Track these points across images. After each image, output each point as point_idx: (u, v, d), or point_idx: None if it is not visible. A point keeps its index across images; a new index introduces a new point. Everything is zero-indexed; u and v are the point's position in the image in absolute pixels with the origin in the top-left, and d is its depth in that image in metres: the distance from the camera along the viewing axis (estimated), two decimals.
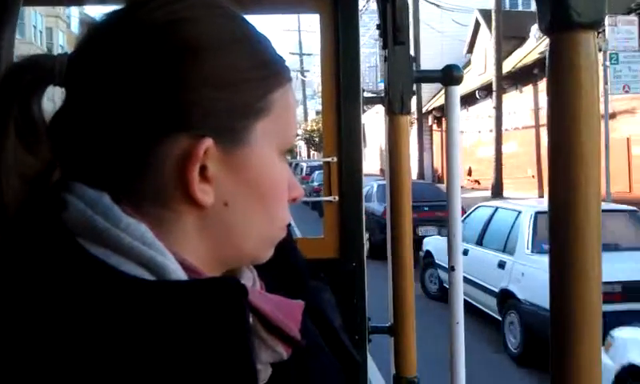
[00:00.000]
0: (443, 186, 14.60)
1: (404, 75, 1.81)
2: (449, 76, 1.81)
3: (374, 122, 24.94)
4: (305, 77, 44.81)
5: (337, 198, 2.14)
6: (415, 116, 25.57)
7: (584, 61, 0.74)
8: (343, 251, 2.14)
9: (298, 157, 42.83)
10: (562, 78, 0.75)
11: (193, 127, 0.54)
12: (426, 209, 12.05)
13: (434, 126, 27.56)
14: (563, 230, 0.76)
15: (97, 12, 0.59)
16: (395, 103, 1.83)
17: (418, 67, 13.46)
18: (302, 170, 25.37)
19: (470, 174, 22.78)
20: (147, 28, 0.55)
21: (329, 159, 2.15)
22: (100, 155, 0.55)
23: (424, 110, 26.55)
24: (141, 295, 0.50)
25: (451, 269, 1.80)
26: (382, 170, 26.49)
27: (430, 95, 27.26)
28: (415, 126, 25.77)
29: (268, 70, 0.59)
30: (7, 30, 1.58)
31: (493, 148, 19.12)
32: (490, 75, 19.92)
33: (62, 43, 35.53)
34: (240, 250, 0.60)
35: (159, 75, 0.53)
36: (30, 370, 0.47)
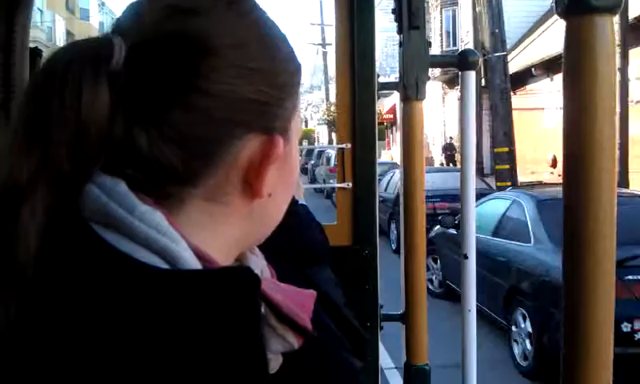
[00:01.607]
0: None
1: (419, 60, 1.79)
2: (464, 60, 1.79)
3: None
4: (325, 49, 41.11)
5: (350, 184, 2.14)
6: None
7: (601, 45, 0.72)
8: (356, 238, 2.13)
9: (317, 143, 42.19)
10: (579, 63, 0.74)
11: (269, 128, 0.56)
12: None
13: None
14: (577, 221, 0.75)
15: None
16: (410, 89, 1.81)
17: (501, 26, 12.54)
18: (328, 160, 21.37)
19: (554, 165, 15.97)
20: (245, 31, 0.56)
21: (343, 146, 2.14)
22: (167, 153, 0.53)
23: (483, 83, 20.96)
24: (154, 283, 0.50)
25: (464, 257, 1.79)
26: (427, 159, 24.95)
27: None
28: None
29: (300, 68, 0.62)
30: (21, 15, 1.59)
31: None
32: None
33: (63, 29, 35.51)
34: (264, 235, 0.62)
35: (250, 78, 0.55)
36: (42, 357, 0.47)
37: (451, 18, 24.81)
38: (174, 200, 0.55)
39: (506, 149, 12.55)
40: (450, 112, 26.01)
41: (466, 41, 22.76)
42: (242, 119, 0.55)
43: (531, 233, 6.19)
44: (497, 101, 12.60)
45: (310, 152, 27.78)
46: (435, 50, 24.84)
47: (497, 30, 12.57)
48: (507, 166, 12.54)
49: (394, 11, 1.86)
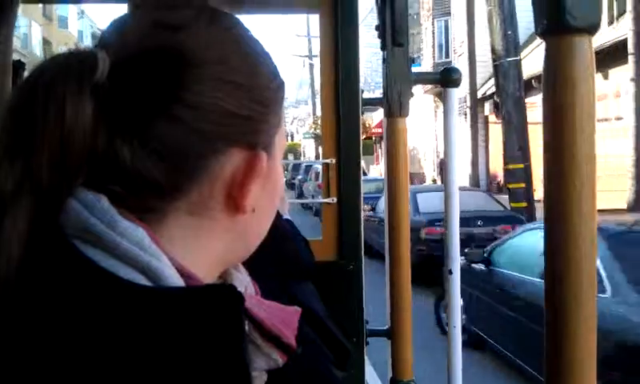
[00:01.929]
0: (503, 198, 11.17)
1: (402, 77, 1.80)
2: (447, 78, 1.81)
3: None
4: (312, 61, 39.53)
5: (335, 199, 2.14)
6: (468, 104, 20.62)
7: (580, 65, 0.73)
8: (341, 253, 2.13)
9: (302, 157, 41.59)
10: (558, 82, 0.75)
11: (251, 142, 0.56)
12: (480, 224, 9.93)
13: (491, 117, 18.81)
14: (558, 241, 0.76)
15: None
16: (393, 105, 1.82)
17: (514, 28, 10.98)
18: (317, 175, 19.02)
19: None
20: (230, 46, 0.57)
21: (328, 161, 2.14)
22: (150, 166, 0.53)
23: (479, 95, 20.23)
24: (135, 300, 0.50)
25: (449, 272, 1.79)
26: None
27: (487, 75, 18.84)
28: (468, 117, 20.51)
29: (281, 86, 0.62)
30: (5, 27, 1.58)
31: (626, 143, 12.36)
32: (624, 30, 12.59)
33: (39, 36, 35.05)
34: (248, 251, 0.62)
35: (236, 95, 0.56)
36: (19, 375, 0.46)
37: (443, 29, 23.78)
38: (157, 214, 0.55)
39: (521, 165, 10.97)
40: (442, 126, 25.05)
41: (459, 52, 21.92)
42: (224, 133, 0.55)
43: (605, 280, 4.34)
44: (510, 109, 11.16)
45: (296, 167, 27.09)
46: (427, 61, 23.86)
47: (509, 32, 11.12)
48: (522, 184, 10.98)
49: (377, 28, 1.87)
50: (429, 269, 7.83)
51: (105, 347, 0.47)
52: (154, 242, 0.53)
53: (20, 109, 0.52)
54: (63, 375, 0.46)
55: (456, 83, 1.80)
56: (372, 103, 2.83)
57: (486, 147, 20.68)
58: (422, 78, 1.99)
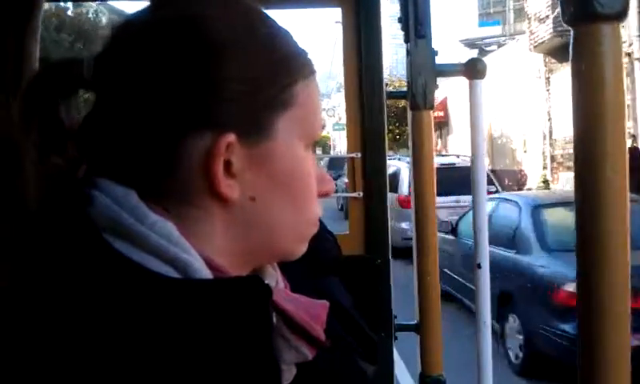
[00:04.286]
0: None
1: (426, 70, 1.79)
2: (472, 69, 1.78)
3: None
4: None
5: (361, 194, 2.13)
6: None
7: (608, 53, 0.72)
8: (368, 247, 2.13)
9: (332, 151, 40.82)
10: (586, 71, 0.73)
11: (216, 123, 0.54)
12: None
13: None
14: (590, 225, 0.74)
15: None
16: (418, 98, 1.80)
17: None
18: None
19: None
20: (169, 27, 0.55)
21: (353, 155, 2.14)
22: (128, 154, 0.55)
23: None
24: (165, 292, 0.50)
25: (478, 266, 1.77)
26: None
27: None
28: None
29: (289, 63, 0.58)
30: (31, 26, 1.60)
31: None
32: None
33: None
34: (270, 246, 0.59)
35: (182, 72, 0.53)
36: (52, 366, 0.47)
37: None
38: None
39: None
40: (557, 100, 15.85)
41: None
42: (182, 116, 0.53)
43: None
44: None
45: (331, 162, 25.39)
46: None
47: None
48: None
49: (400, 20, 1.86)
50: None
51: (135, 338, 0.48)
52: (182, 236, 0.53)
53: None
54: (94, 367, 0.47)
55: (482, 74, 1.77)
56: (397, 96, 2.81)
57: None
58: (446, 70, 1.97)
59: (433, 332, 1.87)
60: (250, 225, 0.57)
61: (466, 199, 9.09)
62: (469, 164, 1.85)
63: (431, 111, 1.86)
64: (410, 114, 1.87)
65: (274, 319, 0.55)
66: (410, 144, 1.93)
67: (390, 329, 2.06)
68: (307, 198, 0.60)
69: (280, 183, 0.58)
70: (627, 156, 0.74)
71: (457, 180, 9.35)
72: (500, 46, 22.66)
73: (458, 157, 12.80)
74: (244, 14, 0.58)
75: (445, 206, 9.76)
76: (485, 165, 1.82)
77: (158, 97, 0.53)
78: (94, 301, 0.49)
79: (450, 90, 23.11)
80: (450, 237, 7.76)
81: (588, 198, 0.75)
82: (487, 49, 23.31)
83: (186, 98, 0.53)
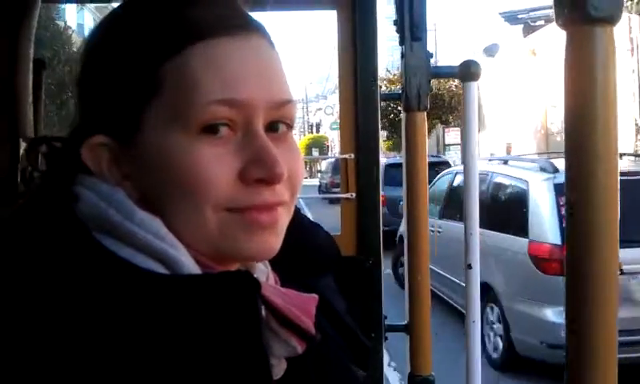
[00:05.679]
0: None
1: (421, 72, 1.80)
2: (466, 71, 1.80)
3: None
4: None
5: (354, 194, 2.13)
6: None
7: (601, 56, 0.73)
8: (360, 248, 2.13)
9: (330, 152, 39.82)
10: (579, 73, 0.74)
11: (91, 126, 0.56)
12: None
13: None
14: (580, 228, 0.75)
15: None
16: (412, 100, 1.81)
17: None
18: None
19: None
20: None
21: (346, 156, 2.14)
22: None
23: None
24: (153, 288, 0.50)
25: (468, 267, 1.78)
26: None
27: None
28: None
29: (155, 41, 0.54)
30: (26, 28, 1.60)
31: None
32: None
33: None
34: (196, 246, 0.55)
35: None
36: (39, 362, 0.47)
37: None
38: None
39: None
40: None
41: None
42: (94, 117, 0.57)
43: None
44: None
45: (335, 164, 22.36)
46: None
47: None
48: None
49: (395, 22, 1.86)
50: None
51: (124, 334, 0.48)
52: (170, 233, 0.53)
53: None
54: (84, 366, 0.47)
55: (476, 76, 1.78)
56: (391, 98, 2.82)
57: None
58: (441, 72, 1.97)
59: (422, 332, 1.88)
60: (169, 224, 0.54)
61: None
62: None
63: (425, 113, 1.87)
64: (403, 115, 1.88)
65: (263, 313, 0.55)
66: (402, 145, 1.93)
67: (380, 330, 2.07)
68: (203, 189, 0.52)
69: (164, 179, 0.53)
70: (617, 158, 0.75)
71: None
72: (548, 21, 16.33)
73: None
74: (108, 16, 0.60)
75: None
76: (477, 166, 1.83)
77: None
78: (84, 298, 0.49)
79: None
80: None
81: (578, 199, 0.76)
82: (534, 24, 17.90)
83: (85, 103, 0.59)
